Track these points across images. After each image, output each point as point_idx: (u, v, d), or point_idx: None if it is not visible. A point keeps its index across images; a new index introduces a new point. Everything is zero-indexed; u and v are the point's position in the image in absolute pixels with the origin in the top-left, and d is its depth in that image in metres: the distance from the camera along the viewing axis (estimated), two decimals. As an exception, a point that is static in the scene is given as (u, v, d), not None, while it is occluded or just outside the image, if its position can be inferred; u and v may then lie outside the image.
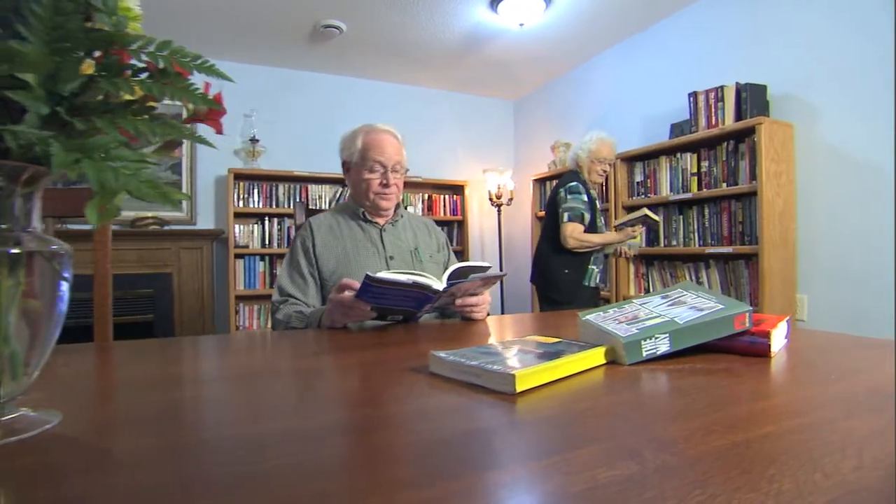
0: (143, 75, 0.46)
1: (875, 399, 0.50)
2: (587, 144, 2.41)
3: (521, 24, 2.84)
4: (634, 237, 2.37)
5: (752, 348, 0.72)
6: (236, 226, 3.44)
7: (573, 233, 2.25)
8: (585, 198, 2.30)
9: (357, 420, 0.47)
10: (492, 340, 0.92)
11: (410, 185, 4.04)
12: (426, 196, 4.09)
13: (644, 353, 0.67)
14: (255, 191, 3.54)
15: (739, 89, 2.35)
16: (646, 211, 2.29)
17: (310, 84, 3.84)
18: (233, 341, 0.97)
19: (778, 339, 0.75)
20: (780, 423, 0.43)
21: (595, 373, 0.64)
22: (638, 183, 2.93)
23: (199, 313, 3.23)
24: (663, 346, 0.68)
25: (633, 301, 0.83)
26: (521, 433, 0.43)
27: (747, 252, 2.26)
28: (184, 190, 3.48)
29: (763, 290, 2.17)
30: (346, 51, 3.43)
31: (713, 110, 2.45)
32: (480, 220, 4.41)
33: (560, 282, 2.35)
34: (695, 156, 2.58)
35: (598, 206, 2.43)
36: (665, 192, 2.74)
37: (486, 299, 1.15)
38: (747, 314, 0.71)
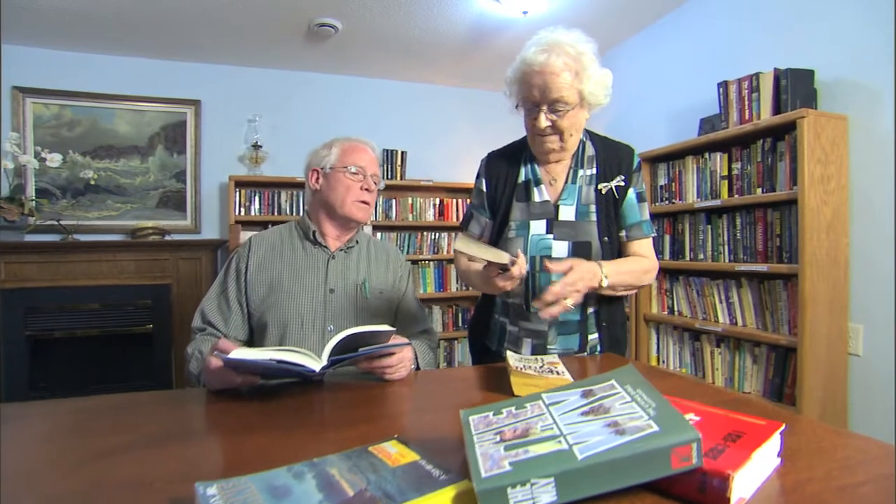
0: None
1: None
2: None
3: (525, 13, 2.55)
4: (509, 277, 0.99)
5: (701, 497, 0.46)
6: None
7: (455, 247, 1.06)
8: (483, 185, 1.23)
9: None
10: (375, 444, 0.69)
11: (422, 189, 3.82)
12: (438, 200, 3.85)
13: (511, 511, 0.43)
14: (257, 198, 3.44)
15: (778, 76, 1.97)
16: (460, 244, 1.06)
17: (312, 86, 3.70)
18: (57, 408, 0.78)
19: (751, 477, 0.48)
20: None
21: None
22: (661, 187, 2.58)
23: (198, 324, 3.17)
24: (545, 497, 0.43)
25: (543, 396, 0.57)
26: None
27: (785, 272, 1.89)
28: (188, 198, 3.43)
29: (804, 317, 1.79)
30: (345, 50, 3.26)
31: (746, 102, 2.07)
32: (497, 225, 4.13)
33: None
34: (725, 156, 2.20)
35: (547, 193, 1.16)
36: (691, 198, 2.38)
37: (403, 357, 0.92)
38: (693, 445, 0.44)
